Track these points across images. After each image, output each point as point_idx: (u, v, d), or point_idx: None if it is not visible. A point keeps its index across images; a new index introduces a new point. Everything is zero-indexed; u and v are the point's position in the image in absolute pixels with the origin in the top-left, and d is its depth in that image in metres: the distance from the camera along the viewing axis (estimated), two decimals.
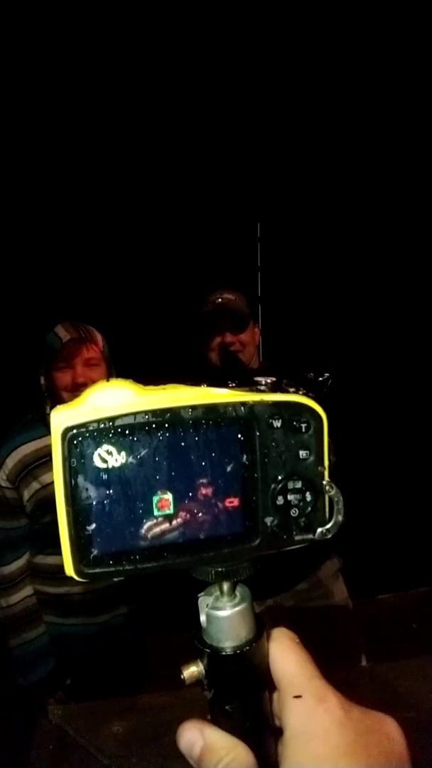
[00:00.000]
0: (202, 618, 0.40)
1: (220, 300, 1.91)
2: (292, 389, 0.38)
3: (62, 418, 0.34)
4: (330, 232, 4.10)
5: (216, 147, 3.88)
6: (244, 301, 1.96)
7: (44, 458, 1.65)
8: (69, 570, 0.35)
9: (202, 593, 0.41)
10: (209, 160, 3.93)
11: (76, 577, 0.35)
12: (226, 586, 0.39)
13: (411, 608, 2.83)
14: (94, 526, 0.34)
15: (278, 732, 0.42)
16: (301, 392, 0.37)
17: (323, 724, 0.34)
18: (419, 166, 3.83)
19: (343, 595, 1.91)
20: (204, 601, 0.40)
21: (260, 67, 3.54)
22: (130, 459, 0.35)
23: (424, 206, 3.91)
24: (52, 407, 1.65)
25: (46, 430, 1.67)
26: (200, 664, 0.40)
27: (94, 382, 1.43)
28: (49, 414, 1.68)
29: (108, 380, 0.36)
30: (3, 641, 1.72)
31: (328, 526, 0.38)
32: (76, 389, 1.63)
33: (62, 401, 1.64)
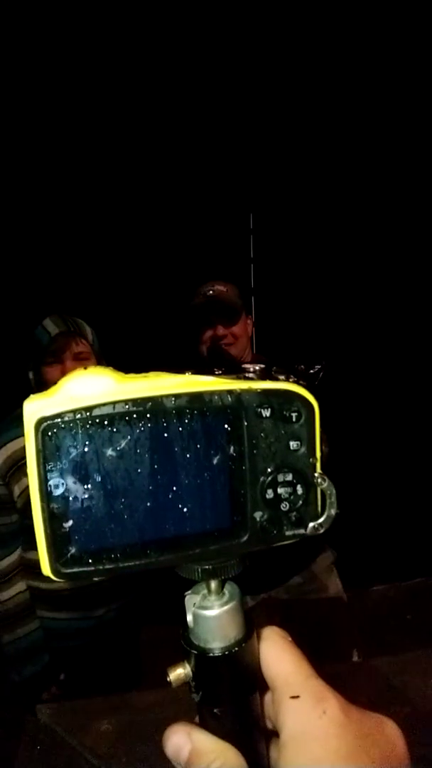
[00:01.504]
0: (189, 618, 0.38)
1: (211, 292, 1.88)
2: (281, 377, 0.36)
3: (36, 408, 0.32)
4: (323, 224, 4.08)
5: (208, 138, 3.84)
6: (236, 292, 1.93)
7: None
8: (45, 569, 0.33)
9: (189, 592, 0.39)
10: (201, 151, 3.90)
11: (53, 577, 0.33)
12: (213, 584, 0.37)
13: (405, 599, 2.82)
14: (71, 522, 0.32)
15: (269, 735, 0.41)
16: (291, 380, 0.35)
17: (323, 726, 0.32)
18: (413, 155, 3.81)
19: (337, 588, 1.90)
20: (191, 600, 0.38)
21: (252, 58, 3.51)
22: (110, 451, 0.32)
23: (417, 196, 3.89)
24: None
25: None
26: (187, 666, 0.38)
27: None
28: None
29: (85, 368, 0.34)
30: None
31: (321, 520, 0.36)
32: None
33: None
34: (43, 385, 1.65)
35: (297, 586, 1.84)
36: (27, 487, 1.43)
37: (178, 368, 0.36)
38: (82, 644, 1.77)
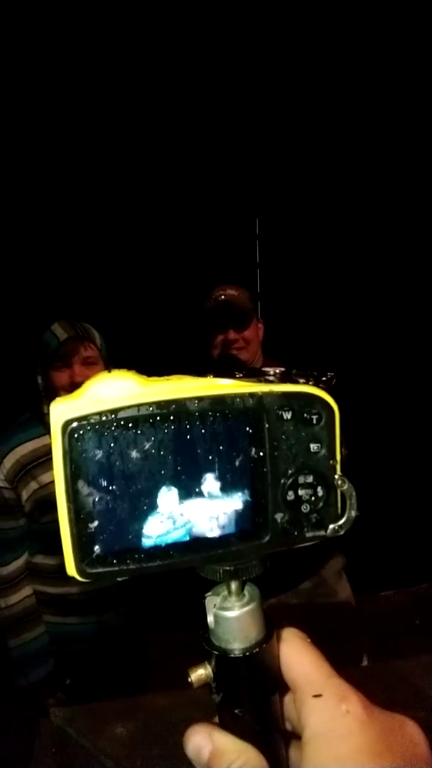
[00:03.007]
0: (210, 619, 0.38)
1: (223, 296, 1.89)
2: (302, 380, 0.36)
3: (62, 410, 0.33)
4: (329, 228, 4.09)
5: (214, 144, 3.86)
6: (247, 296, 1.93)
7: (42, 458, 1.64)
8: (71, 570, 0.34)
9: (210, 593, 0.39)
10: (207, 156, 3.92)
11: (78, 577, 0.34)
12: (234, 585, 0.38)
13: (413, 605, 2.82)
14: (96, 523, 0.33)
15: (289, 736, 0.41)
16: (311, 383, 0.36)
17: (346, 724, 0.33)
18: (418, 161, 3.81)
19: (346, 593, 1.90)
20: (211, 601, 0.39)
21: (258, 64, 3.53)
22: (134, 453, 0.33)
23: (422, 200, 3.90)
24: (49, 406, 1.64)
25: (44, 430, 1.65)
26: (208, 667, 0.38)
27: None
28: (47, 413, 1.66)
29: (110, 371, 0.34)
30: (2, 642, 1.71)
31: (341, 522, 0.37)
32: (74, 388, 1.60)
33: None
34: (51, 389, 1.66)
35: (307, 591, 1.84)
36: (34, 492, 1.44)
37: (196, 372, 0.36)
38: (88, 649, 1.77)
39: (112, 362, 1.76)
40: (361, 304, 4.03)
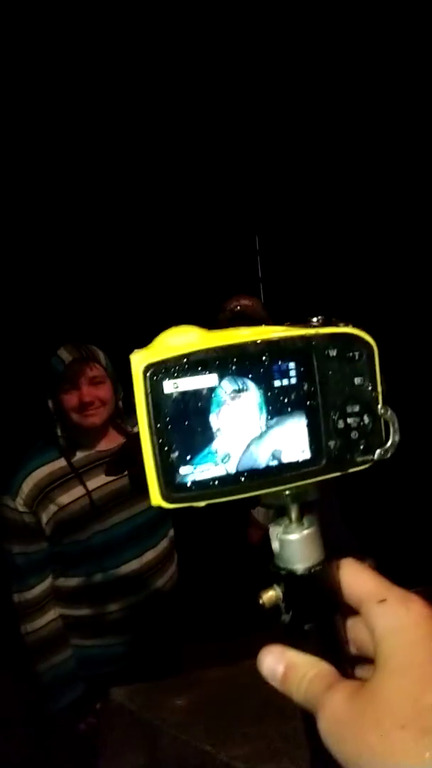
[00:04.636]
0: (275, 545, 0.43)
1: (238, 307, 1.94)
2: (342, 323, 0.41)
3: (141, 357, 0.38)
4: (329, 241, 4.16)
5: (214, 160, 3.97)
6: (260, 305, 1.99)
7: (59, 480, 1.68)
8: (157, 499, 0.38)
9: (272, 523, 0.44)
10: (208, 175, 4.03)
11: (164, 504, 0.38)
12: (295, 511, 0.42)
13: None
14: (176, 453, 0.38)
15: (355, 659, 0.45)
16: (350, 325, 0.41)
17: (412, 617, 0.36)
18: (418, 174, 3.89)
19: None
20: (274, 530, 0.43)
21: (258, 80, 3.64)
22: (204, 391, 0.38)
23: (424, 211, 3.96)
24: (62, 430, 1.67)
25: (59, 453, 1.70)
26: (277, 589, 0.43)
27: (100, 400, 1.46)
28: (61, 435, 1.70)
29: (176, 326, 0.40)
30: (31, 666, 1.71)
31: (386, 446, 0.41)
32: (83, 409, 1.66)
33: (72, 423, 1.69)
34: (62, 412, 1.70)
35: None
36: (54, 514, 1.50)
37: None
38: (117, 671, 1.75)
39: (120, 380, 1.80)
40: (365, 317, 4.07)
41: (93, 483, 1.71)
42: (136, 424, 1.83)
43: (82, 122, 3.68)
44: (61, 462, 1.70)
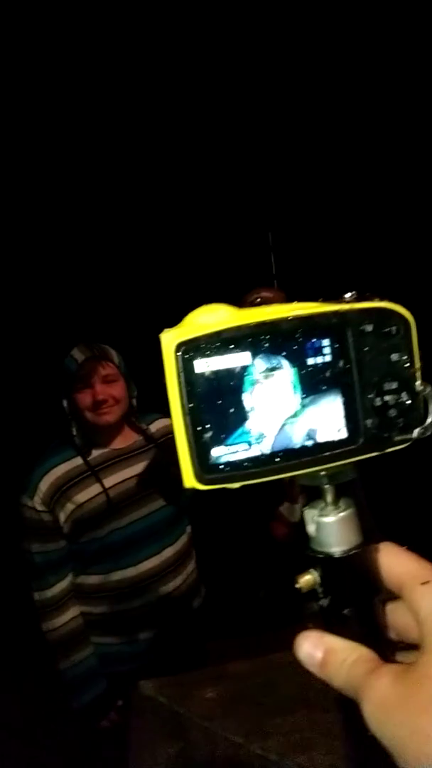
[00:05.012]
0: (312, 528, 0.41)
1: (259, 300, 1.91)
2: (377, 298, 0.40)
3: (173, 335, 0.37)
4: (343, 235, 4.13)
5: (225, 157, 3.96)
6: (281, 296, 1.95)
7: (76, 479, 1.68)
8: (189, 480, 0.37)
9: (307, 506, 0.42)
10: (219, 172, 4.02)
11: (197, 485, 0.37)
12: (331, 492, 0.41)
13: None
14: (210, 434, 0.37)
15: (395, 644, 0.44)
16: (386, 300, 0.40)
17: None
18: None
19: None
20: (310, 513, 0.42)
21: (270, 77, 3.62)
22: (237, 369, 0.37)
23: None
24: (77, 429, 1.67)
25: (75, 452, 1.71)
26: (314, 573, 0.41)
27: (114, 398, 1.46)
28: (76, 435, 1.71)
29: (206, 305, 0.39)
30: (53, 663, 1.72)
31: (426, 424, 0.40)
32: (97, 407, 1.67)
33: (86, 422, 1.69)
34: (77, 411, 1.70)
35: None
36: (71, 512, 1.49)
37: None
38: (138, 668, 1.74)
39: (133, 378, 1.81)
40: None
41: (109, 481, 1.71)
42: (150, 422, 1.84)
43: (99, 122, 3.68)
44: (78, 461, 1.71)
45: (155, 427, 1.85)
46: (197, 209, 4.12)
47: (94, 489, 1.68)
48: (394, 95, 3.67)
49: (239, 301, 1.98)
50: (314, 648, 0.40)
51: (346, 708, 0.39)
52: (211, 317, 0.38)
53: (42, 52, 3.31)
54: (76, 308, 3.84)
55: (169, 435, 1.78)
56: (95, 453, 1.74)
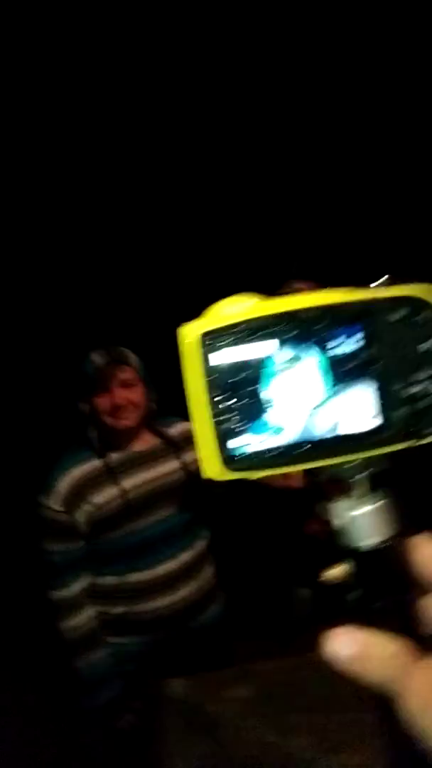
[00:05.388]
0: (342, 521, 0.41)
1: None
2: (409, 282, 0.39)
3: (195, 327, 0.37)
4: (363, 235, 4.10)
5: (241, 157, 3.95)
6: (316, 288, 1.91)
7: (94, 480, 1.68)
8: (210, 471, 0.37)
9: (336, 500, 0.42)
10: (233, 175, 4.01)
11: (217, 477, 0.37)
12: (361, 484, 0.40)
13: None
14: (234, 424, 0.37)
15: (426, 640, 0.42)
16: (417, 284, 0.39)
17: None
18: None
19: None
20: (341, 505, 0.41)
21: (286, 91, 3.61)
22: (263, 359, 0.37)
23: None
24: (97, 431, 1.67)
25: (93, 454, 1.71)
26: (344, 566, 0.41)
27: (132, 402, 1.46)
28: (93, 437, 1.71)
29: (232, 296, 0.38)
30: (70, 663, 1.71)
31: None
32: (115, 412, 1.67)
33: (105, 426, 1.69)
34: (96, 416, 1.70)
35: None
36: (89, 513, 1.49)
37: None
38: (156, 669, 1.68)
39: (152, 383, 1.79)
40: None
41: (128, 483, 1.71)
42: (170, 425, 1.84)
43: (112, 121, 3.70)
44: (96, 462, 1.71)
45: (175, 430, 1.84)
46: (216, 215, 4.11)
47: (112, 491, 1.68)
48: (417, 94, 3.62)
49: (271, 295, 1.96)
50: (347, 643, 0.39)
51: (377, 708, 0.38)
52: (236, 308, 0.37)
53: (43, 52, 3.32)
54: (97, 311, 3.87)
55: (188, 437, 1.77)
56: (114, 455, 1.74)
